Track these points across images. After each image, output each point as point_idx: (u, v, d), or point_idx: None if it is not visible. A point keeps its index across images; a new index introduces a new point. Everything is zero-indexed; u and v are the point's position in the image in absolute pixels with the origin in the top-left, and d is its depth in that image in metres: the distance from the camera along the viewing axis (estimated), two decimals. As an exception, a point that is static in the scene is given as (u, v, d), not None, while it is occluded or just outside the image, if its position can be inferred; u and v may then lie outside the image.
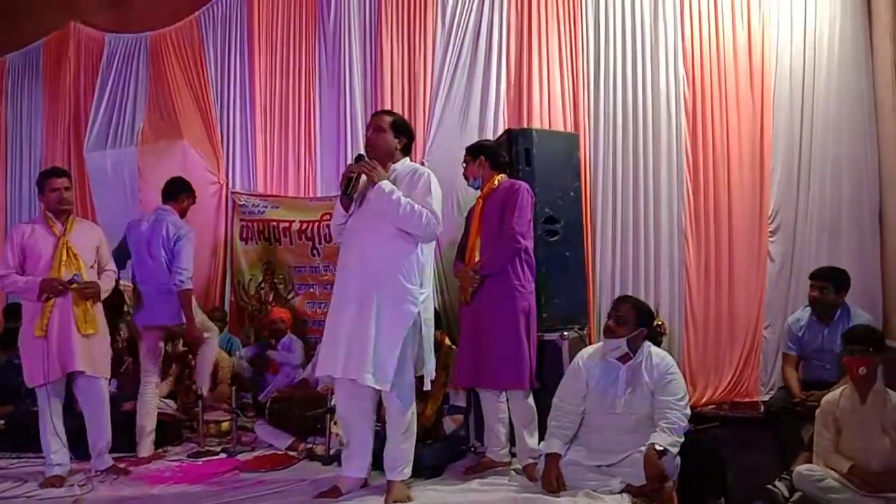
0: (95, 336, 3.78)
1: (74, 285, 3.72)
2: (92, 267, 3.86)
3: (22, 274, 3.74)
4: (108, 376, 3.92)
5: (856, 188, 4.76)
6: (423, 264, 3.27)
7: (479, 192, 3.83)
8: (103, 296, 3.89)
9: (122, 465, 3.90)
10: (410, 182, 3.27)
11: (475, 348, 3.57)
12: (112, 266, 4.03)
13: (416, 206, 3.16)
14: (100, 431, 3.83)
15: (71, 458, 3.82)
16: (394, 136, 3.32)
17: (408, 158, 3.44)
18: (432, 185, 3.28)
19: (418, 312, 3.20)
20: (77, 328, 3.70)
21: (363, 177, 3.26)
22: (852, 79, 4.77)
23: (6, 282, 3.77)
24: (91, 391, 3.81)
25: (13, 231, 3.89)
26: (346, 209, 3.29)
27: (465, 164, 3.85)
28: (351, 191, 3.24)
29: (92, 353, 3.76)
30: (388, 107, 5.55)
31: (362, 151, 3.42)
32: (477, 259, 3.62)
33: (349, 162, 3.37)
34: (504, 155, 3.93)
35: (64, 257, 3.75)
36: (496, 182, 3.72)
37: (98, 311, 3.84)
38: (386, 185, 3.19)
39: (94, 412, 3.83)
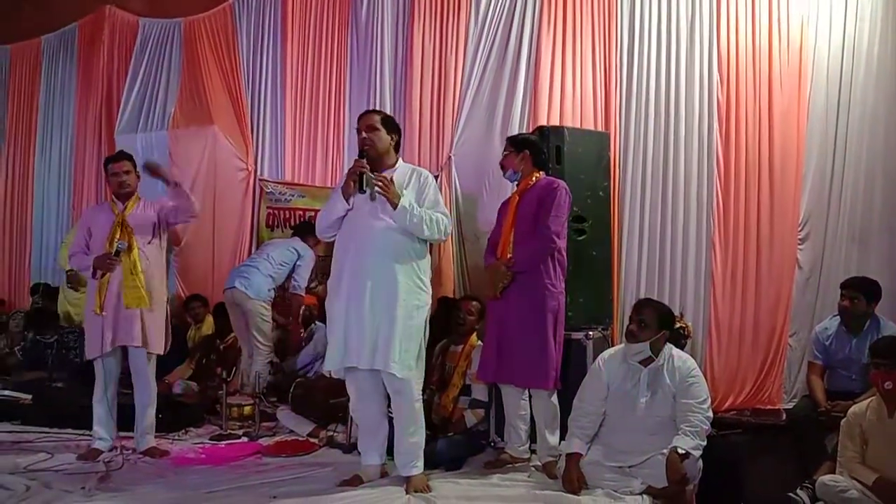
0: (148, 310, 3.83)
1: (120, 252, 3.78)
2: (150, 243, 3.90)
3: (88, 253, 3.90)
4: (160, 352, 3.94)
5: (889, 198, 4.71)
6: (429, 257, 3.39)
7: (513, 186, 3.80)
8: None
9: (163, 448, 3.93)
10: (418, 186, 3.31)
11: (501, 345, 3.56)
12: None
13: (434, 217, 3.25)
14: (142, 411, 3.89)
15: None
16: (386, 133, 3.33)
17: (400, 158, 3.45)
18: (437, 187, 3.39)
19: (429, 305, 3.30)
20: (125, 302, 3.77)
21: (370, 172, 3.24)
22: (891, 88, 4.71)
23: (74, 259, 4.00)
24: (137, 366, 3.88)
25: (83, 214, 4.15)
26: (347, 202, 3.28)
27: (505, 154, 3.76)
28: (366, 186, 3.22)
29: (142, 327, 3.81)
30: (416, 100, 5.58)
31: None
32: (510, 255, 3.59)
33: (356, 158, 3.33)
34: (546, 153, 3.89)
35: (118, 234, 3.82)
36: (534, 178, 3.68)
37: (153, 286, 3.88)
38: (406, 202, 3.20)
39: (138, 391, 3.90)
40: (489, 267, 3.69)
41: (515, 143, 3.74)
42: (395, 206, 3.18)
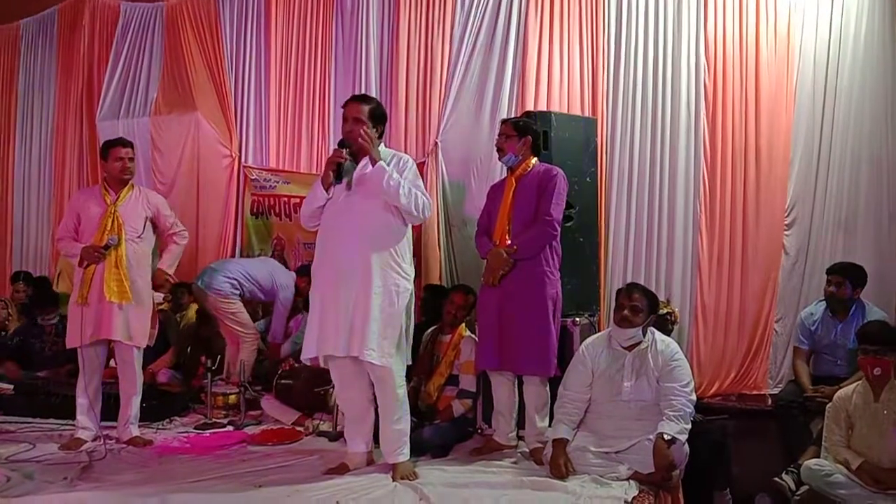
0: (132, 304, 3.79)
1: (110, 247, 3.74)
2: (139, 237, 3.87)
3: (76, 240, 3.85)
4: (144, 345, 3.90)
5: (875, 184, 4.70)
6: (409, 242, 3.36)
7: (503, 170, 3.79)
8: (169, 258, 3.98)
9: (146, 437, 3.90)
10: (397, 169, 3.29)
11: (502, 333, 3.53)
12: (179, 228, 4.09)
13: (413, 190, 3.22)
14: (126, 401, 3.86)
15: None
16: (372, 126, 3.28)
17: (383, 144, 3.42)
18: (417, 172, 3.37)
19: (411, 291, 3.27)
20: (106, 295, 3.72)
21: (347, 162, 3.24)
22: (877, 74, 4.69)
23: (61, 245, 3.95)
24: (122, 359, 3.85)
25: (73, 198, 4.12)
26: (327, 192, 3.27)
27: (503, 137, 3.71)
28: (344, 175, 3.23)
29: (126, 321, 3.77)
30: (402, 85, 5.51)
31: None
32: (509, 241, 3.56)
33: (335, 147, 3.33)
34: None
35: (108, 225, 3.79)
36: (531, 164, 3.66)
37: (138, 280, 3.84)
38: (385, 165, 3.21)
39: (123, 381, 3.87)
40: (489, 253, 3.62)
41: (518, 128, 3.70)
42: (374, 163, 3.18)
